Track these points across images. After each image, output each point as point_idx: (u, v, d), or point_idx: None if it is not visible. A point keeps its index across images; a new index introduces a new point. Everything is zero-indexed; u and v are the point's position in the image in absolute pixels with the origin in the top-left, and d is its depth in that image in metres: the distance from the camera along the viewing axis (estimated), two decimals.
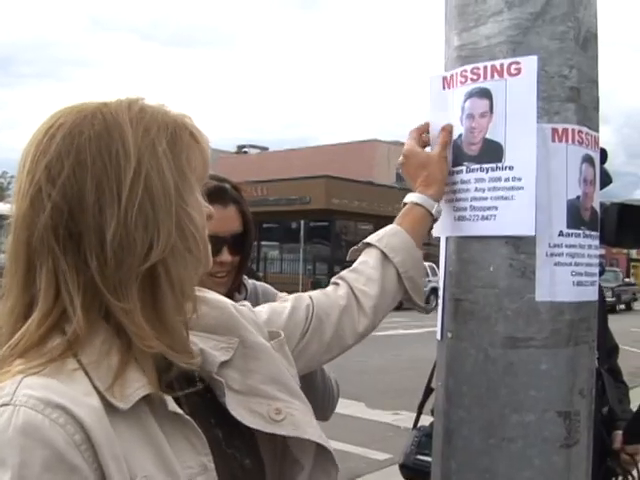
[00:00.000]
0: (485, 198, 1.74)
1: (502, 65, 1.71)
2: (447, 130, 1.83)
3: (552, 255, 1.67)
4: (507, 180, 1.70)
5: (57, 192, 1.07)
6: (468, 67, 1.76)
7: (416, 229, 1.80)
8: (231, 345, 1.32)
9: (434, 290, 30.49)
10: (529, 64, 1.68)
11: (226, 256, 2.18)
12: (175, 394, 1.15)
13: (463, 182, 1.80)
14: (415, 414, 2.98)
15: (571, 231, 1.69)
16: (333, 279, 1.77)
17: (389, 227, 1.82)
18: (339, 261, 38.12)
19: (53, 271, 1.08)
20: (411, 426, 2.91)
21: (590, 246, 1.74)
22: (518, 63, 1.69)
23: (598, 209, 1.78)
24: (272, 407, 1.27)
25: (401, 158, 1.93)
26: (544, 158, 1.68)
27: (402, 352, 14.45)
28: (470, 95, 1.76)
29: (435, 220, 1.85)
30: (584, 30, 1.74)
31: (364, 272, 1.73)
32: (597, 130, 1.79)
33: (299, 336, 1.57)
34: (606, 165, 2.75)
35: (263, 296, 2.34)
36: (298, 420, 1.28)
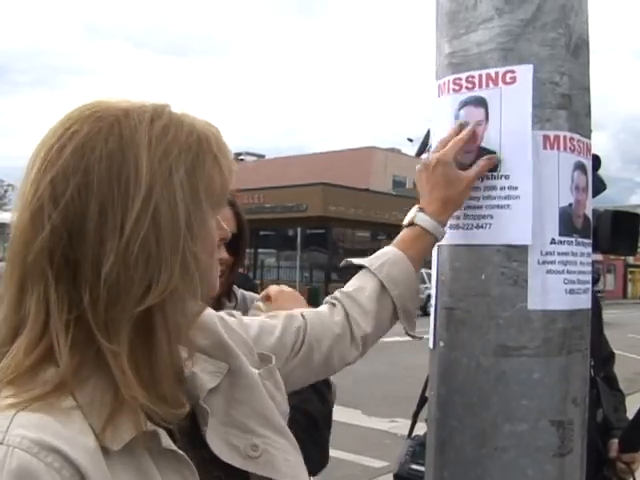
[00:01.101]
0: (480, 207, 1.72)
1: (497, 73, 1.69)
2: (491, 160, 1.70)
3: (544, 263, 1.66)
4: (502, 189, 1.69)
5: (58, 214, 1.00)
6: (462, 75, 1.75)
7: (421, 258, 1.72)
8: (220, 370, 1.26)
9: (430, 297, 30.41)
10: (524, 73, 1.67)
11: (224, 253, 2.19)
12: (168, 425, 1.09)
13: None
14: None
15: (563, 239, 1.68)
16: (328, 298, 1.69)
17: (392, 252, 1.70)
18: (336, 268, 38.10)
19: (44, 298, 1.01)
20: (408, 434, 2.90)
21: (583, 253, 1.73)
22: (513, 72, 1.68)
23: (591, 216, 1.78)
24: (249, 442, 1.21)
25: (431, 161, 1.73)
26: (536, 166, 1.67)
27: (399, 359, 14.42)
28: (465, 103, 1.75)
29: (437, 240, 1.74)
30: (575, 37, 1.73)
31: (360, 301, 1.64)
32: (589, 137, 1.78)
33: (284, 360, 1.49)
34: (602, 171, 2.74)
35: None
36: (275, 459, 1.22)
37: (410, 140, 56.76)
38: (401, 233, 1.75)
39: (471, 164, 1.72)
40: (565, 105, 1.70)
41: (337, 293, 1.69)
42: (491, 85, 1.70)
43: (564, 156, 1.69)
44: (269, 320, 1.55)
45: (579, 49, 1.75)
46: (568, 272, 1.68)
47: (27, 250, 1.01)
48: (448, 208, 1.72)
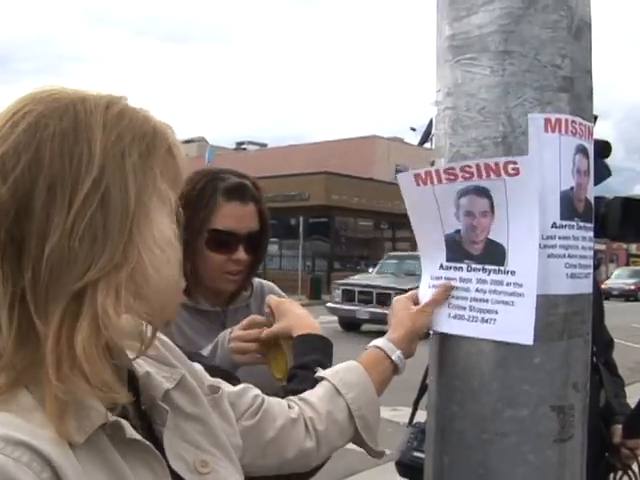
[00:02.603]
0: (486, 300, 1.70)
1: (497, 164, 1.64)
2: (446, 288, 1.77)
3: (545, 247, 1.64)
4: (509, 285, 1.66)
5: (7, 190, 0.96)
6: (456, 165, 1.70)
7: (374, 369, 1.75)
8: (174, 377, 1.23)
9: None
10: (527, 164, 1.62)
11: (242, 254, 2.15)
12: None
13: (463, 280, 1.74)
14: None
15: (565, 222, 1.66)
16: (284, 400, 1.66)
17: (346, 364, 1.75)
18: (338, 257, 38.21)
19: None
20: None
21: (584, 238, 1.71)
22: (515, 163, 1.63)
23: (592, 200, 1.76)
24: (199, 458, 1.18)
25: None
26: (537, 149, 1.65)
27: None
28: (466, 192, 1.70)
29: (396, 368, 1.80)
30: (577, 19, 1.71)
31: (311, 402, 1.64)
32: (591, 120, 1.76)
33: (237, 416, 1.46)
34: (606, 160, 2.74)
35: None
36: (222, 477, 1.19)
37: (413, 129, 56.90)
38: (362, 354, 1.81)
39: (480, 255, 1.71)
40: (567, 88, 1.68)
41: (290, 397, 1.67)
42: (492, 175, 1.66)
43: (565, 139, 1.67)
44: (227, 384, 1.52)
45: (581, 31, 1.72)
46: (569, 256, 1.67)
47: None
48: (397, 328, 1.81)
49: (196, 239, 2.12)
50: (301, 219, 33.81)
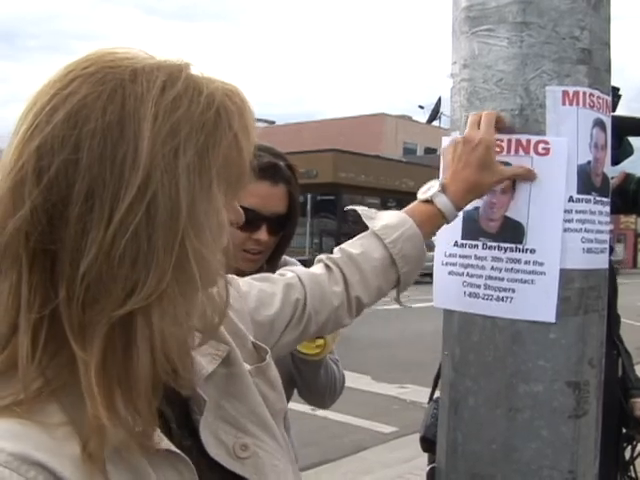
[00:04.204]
0: (502, 279, 1.67)
1: (529, 141, 1.63)
2: (530, 173, 1.64)
3: (562, 221, 1.62)
4: (527, 263, 1.64)
5: (40, 192, 0.85)
6: None
7: (427, 227, 1.61)
8: (219, 353, 1.13)
9: None
10: (559, 145, 1.61)
11: (263, 234, 2.10)
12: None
13: (478, 258, 1.72)
14: (421, 387, 2.96)
15: (581, 197, 1.64)
16: (324, 257, 1.59)
17: (408, 225, 1.58)
18: (345, 235, 38.12)
19: (16, 289, 0.88)
20: (417, 400, 2.90)
21: (601, 212, 1.69)
22: (547, 142, 1.62)
23: (609, 175, 1.74)
24: (240, 441, 1.09)
25: (474, 138, 1.63)
26: (554, 122, 1.63)
27: (408, 326, 14.46)
28: None
29: (447, 223, 1.66)
30: None
31: (363, 270, 1.54)
32: (609, 94, 1.74)
33: (280, 333, 1.43)
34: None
35: None
36: (262, 463, 1.10)
37: (421, 107, 56.79)
38: (417, 206, 1.65)
39: (496, 233, 1.68)
40: (585, 60, 1.66)
41: (338, 254, 1.59)
42: (521, 152, 1.65)
43: (583, 112, 1.64)
44: (267, 288, 1.45)
45: (600, 3, 1.70)
46: (586, 231, 1.65)
47: (3, 224, 0.87)
48: (471, 193, 1.64)
49: None
50: (309, 196, 33.75)
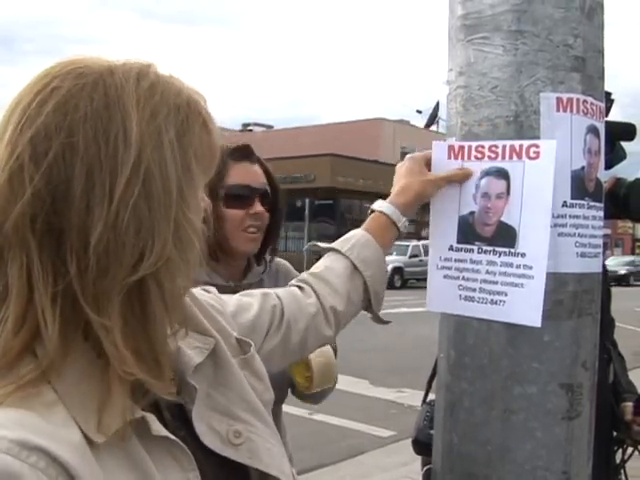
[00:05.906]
0: (496, 282, 1.71)
1: (521, 147, 1.66)
2: (464, 173, 1.75)
3: (556, 226, 1.65)
4: (518, 267, 1.67)
5: (41, 176, 0.91)
6: (485, 144, 1.72)
7: (381, 236, 1.73)
8: (206, 345, 1.19)
9: (397, 270, 30.42)
10: (547, 148, 1.64)
11: (259, 207, 2.23)
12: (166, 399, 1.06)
13: (473, 262, 1.75)
14: (419, 391, 2.98)
15: (575, 202, 1.67)
16: (295, 281, 1.69)
17: (359, 234, 1.72)
18: None
19: (26, 270, 0.92)
20: (414, 404, 2.92)
21: (594, 217, 1.72)
22: (537, 146, 1.65)
23: (602, 180, 1.76)
24: (232, 428, 1.14)
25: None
26: (548, 128, 1.66)
27: (406, 330, 14.48)
28: (487, 174, 1.72)
29: (400, 234, 1.77)
30: None
31: (330, 281, 1.65)
32: (602, 100, 1.77)
33: (262, 337, 1.48)
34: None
35: (285, 278, 2.34)
36: (256, 447, 1.15)
37: (419, 112, 56.66)
38: (368, 220, 1.78)
39: (491, 237, 1.72)
40: (579, 67, 1.69)
41: (304, 275, 1.69)
42: (515, 157, 1.68)
43: (577, 119, 1.67)
44: (244, 297, 1.53)
45: (594, 11, 1.73)
46: (579, 235, 1.68)
47: (4, 215, 0.92)
48: (403, 191, 1.76)
49: (213, 203, 2.14)
50: (307, 201, 33.81)
